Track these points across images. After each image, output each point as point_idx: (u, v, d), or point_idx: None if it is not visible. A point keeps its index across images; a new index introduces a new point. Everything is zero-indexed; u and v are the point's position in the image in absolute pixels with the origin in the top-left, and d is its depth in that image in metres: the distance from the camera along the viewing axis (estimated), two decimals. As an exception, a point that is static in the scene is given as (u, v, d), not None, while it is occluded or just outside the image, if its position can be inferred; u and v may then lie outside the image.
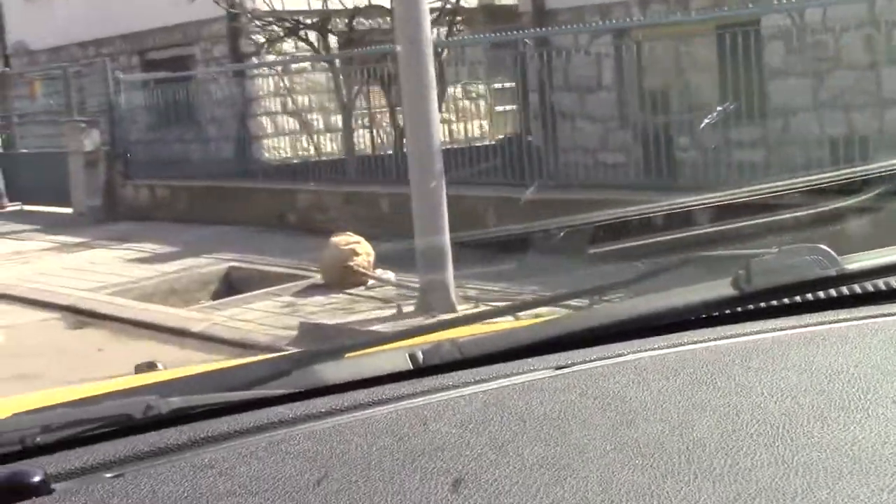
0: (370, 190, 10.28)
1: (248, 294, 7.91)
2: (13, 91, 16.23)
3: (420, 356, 1.22)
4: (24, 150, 15.97)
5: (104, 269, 9.74)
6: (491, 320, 1.60)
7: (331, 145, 14.73)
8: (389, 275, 7.77)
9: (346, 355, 1.24)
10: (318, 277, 8.18)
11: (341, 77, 12.46)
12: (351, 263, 7.72)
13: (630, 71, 11.65)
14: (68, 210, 14.05)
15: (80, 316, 8.07)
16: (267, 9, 13.87)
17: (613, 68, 11.83)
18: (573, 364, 1.21)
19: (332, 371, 1.20)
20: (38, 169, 15.14)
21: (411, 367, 1.21)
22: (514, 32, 11.44)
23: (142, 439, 1.04)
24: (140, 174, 13.54)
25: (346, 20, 12.98)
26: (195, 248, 10.27)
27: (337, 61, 12.87)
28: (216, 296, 8.86)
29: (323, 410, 1.11)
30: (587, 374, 1.18)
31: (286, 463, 0.99)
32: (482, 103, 15.22)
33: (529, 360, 1.23)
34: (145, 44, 18.12)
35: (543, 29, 10.95)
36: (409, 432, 1.05)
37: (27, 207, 15.32)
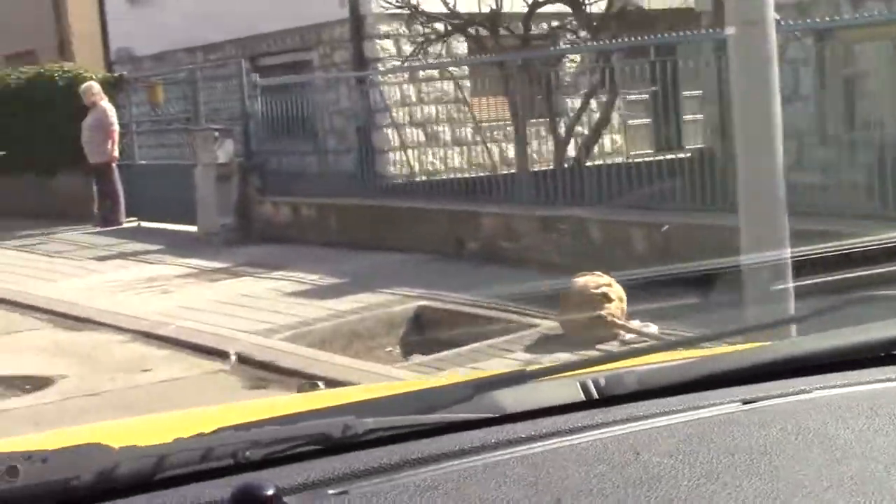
0: (571, 214, 8.62)
1: (466, 348, 6.29)
2: (131, 97, 14.86)
3: (600, 386, 1.23)
4: (143, 162, 14.58)
5: (262, 304, 8.21)
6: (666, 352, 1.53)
7: (459, 159, 13.33)
8: (652, 328, 6.11)
9: (528, 382, 1.25)
10: (546, 325, 6.56)
11: (512, 82, 10.82)
12: (603, 312, 6.06)
13: (835, 78, 9.99)
14: (191, 228, 12.63)
15: (256, 369, 6.52)
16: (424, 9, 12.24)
17: (814, 75, 10.13)
18: (760, 399, 1.21)
19: (516, 398, 1.20)
20: (158, 182, 13.75)
21: (593, 397, 1.22)
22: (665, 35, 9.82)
23: (353, 458, 1.07)
24: (275, 189, 12.05)
25: (522, 21, 11.35)
26: (363, 279, 8.71)
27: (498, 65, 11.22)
28: (405, 342, 7.28)
29: (524, 436, 1.12)
30: (779, 410, 1.19)
31: (510, 487, 1.00)
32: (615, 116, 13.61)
33: (711, 392, 1.23)
34: (257, 49, 16.86)
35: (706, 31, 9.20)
36: (621, 461, 1.06)
37: (144, 224, 13.95)
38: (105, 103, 13.88)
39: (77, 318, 8.47)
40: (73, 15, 22.21)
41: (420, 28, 15.60)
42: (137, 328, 7.81)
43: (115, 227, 13.78)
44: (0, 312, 9.31)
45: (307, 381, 1.66)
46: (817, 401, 1.22)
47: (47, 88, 15.05)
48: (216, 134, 11.72)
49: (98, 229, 13.84)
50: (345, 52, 15.94)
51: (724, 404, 1.21)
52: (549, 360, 5.99)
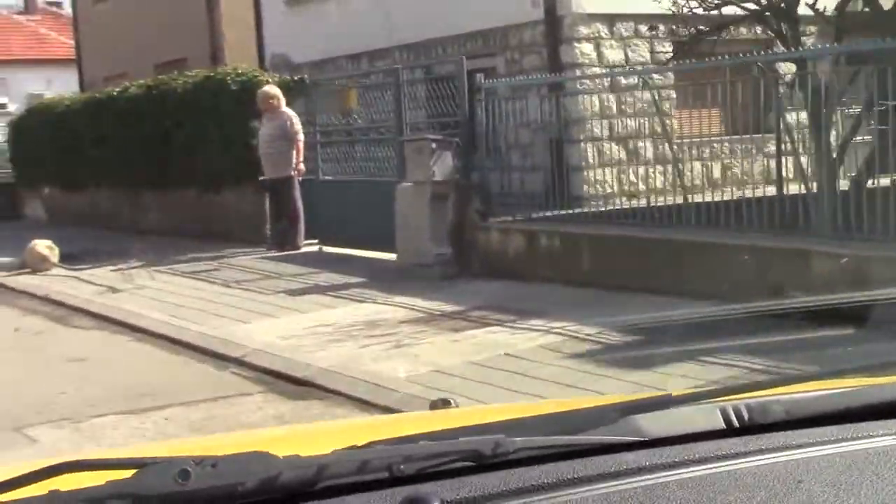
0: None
1: None
2: (316, 103, 13.01)
3: (747, 413, 1.23)
4: (328, 178, 12.69)
5: (540, 371, 6.11)
6: (810, 382, 1.48)
7: (660, 179, 11.20)
8: None
9: (672, 407, 1.25)
10: None
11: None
12: None
13: None
14: (386, 256, 10.68)
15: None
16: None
17: None
18: None
19: (660, 423, 1.21)
20: (344, 201, 11.87)
21: (742, 424, 1.22)
22: None
23: (507, 476, 1.10)
24: (499, 213, 10.02)
25: (838, 6, 9.03)
26: (665, 339, 6.54)
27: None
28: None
29: (677, 460, 1.14)
30: None
31: None
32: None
33: (862, 424, 1.22)
34: (430, 55, 15.04)
35: None
36: (782, 489, 1.06)
37: (327, 249, 12.08)
38: (287, 109, 12.07)
39: (296, 381, 6.52)
40: (226, 22, 21.05)
41: (623, 30, 13.71)
42: (386, 403, 5.79)
43: (292, 252, 11.96)
44: (190, 362, 7.48)
45: (439, 399, 1.61)
46: None
47: (217, 93, 13.38)
48: (433, 145, 9.71)
49: (273, 253, 12.03)
50: (536, 58, 14.04)
51: (878, 437, 1.19)
52: None
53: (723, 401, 1.28)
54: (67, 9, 31.95)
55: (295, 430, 1.78)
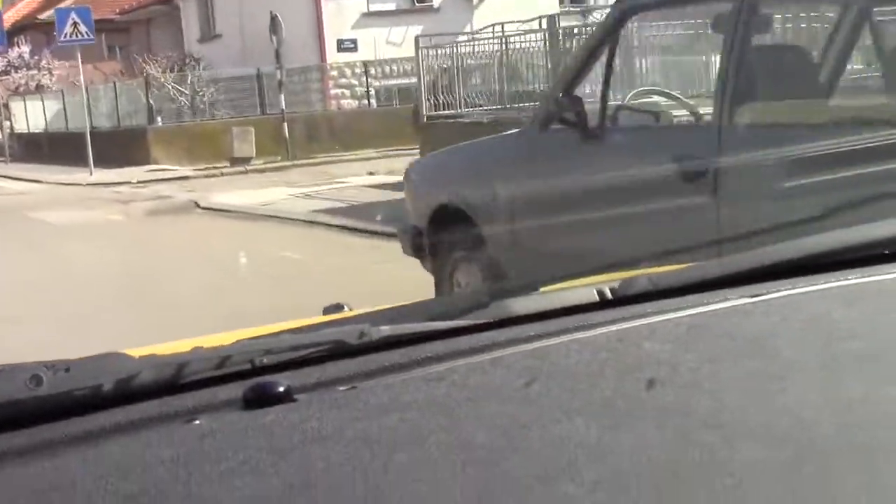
0: None
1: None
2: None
3: (613, 289, 1.29)
4: None
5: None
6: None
7: None
8: None
9: (541, 289, 1.32)
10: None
11: None
12: None
13: None
14: None
15: None
16: None
17: None
18: (769, 293, 1.26)
19: (528, 303, 1.26)
20: None
21: (606, 299, 1.28)
22: None
23: (366, 360, 1.11)
24: None
25: None
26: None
27: None
28: None
29: (533, 334, 1.17)
30: (787, 301, 1.23)
31: (512, 376, 1.08)
32: None
33: (724, 290, 1.29)
34: None
35: None
36: (623, 350, 1.13)
37: None
38: None
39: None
40: None
41: None
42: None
43: None
44: None
45: (332, 304, 1.53)
46: (824, 291, 1.25)
47: None
48: None
49: None
50: None
51: (732, 300, 1.25)
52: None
53: (594, 281, 1.31)
54: None
55: (167, 346, 1.52)
